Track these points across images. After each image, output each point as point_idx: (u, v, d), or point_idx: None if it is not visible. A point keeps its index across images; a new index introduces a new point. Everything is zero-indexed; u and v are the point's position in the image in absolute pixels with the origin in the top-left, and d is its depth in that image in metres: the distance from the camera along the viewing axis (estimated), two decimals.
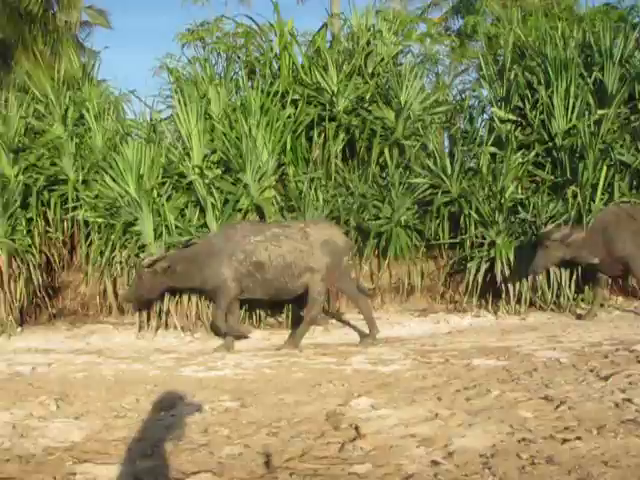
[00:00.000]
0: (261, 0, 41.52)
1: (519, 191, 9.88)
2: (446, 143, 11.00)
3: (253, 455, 4.38)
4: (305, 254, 8.23)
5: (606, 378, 5.71)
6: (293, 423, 4.97)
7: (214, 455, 4.42)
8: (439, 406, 5.18)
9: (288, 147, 10.12)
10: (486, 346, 7.56)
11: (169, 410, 5.42)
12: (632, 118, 10.34)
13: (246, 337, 8.61)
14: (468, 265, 9.67)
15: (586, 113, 10.09)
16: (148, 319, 9.37)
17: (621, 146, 10.01)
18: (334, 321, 9.52)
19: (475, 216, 9.64)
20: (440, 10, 21.00)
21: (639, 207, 9.28)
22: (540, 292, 9.52)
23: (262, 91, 10.13)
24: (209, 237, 8.88)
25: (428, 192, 9.99)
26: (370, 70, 11.00)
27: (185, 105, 9.78)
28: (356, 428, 4.73)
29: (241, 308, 9.02)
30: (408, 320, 9.44)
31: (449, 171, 9.85)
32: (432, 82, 12.25)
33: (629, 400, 5.03)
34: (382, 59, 11.17)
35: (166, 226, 9.25)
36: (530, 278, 9.33)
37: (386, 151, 10.25)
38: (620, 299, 10.01)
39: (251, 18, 11.62)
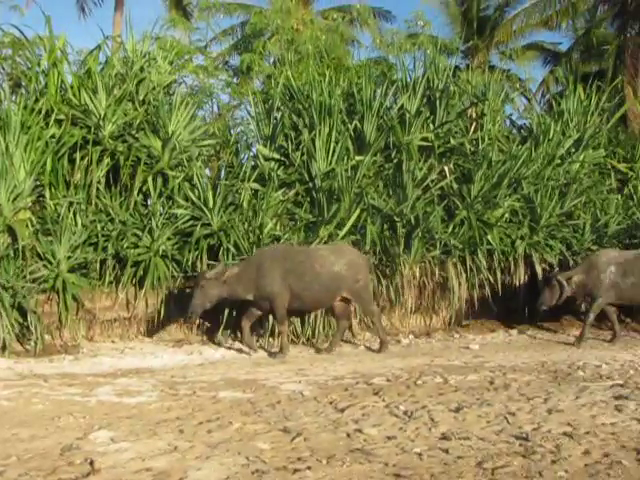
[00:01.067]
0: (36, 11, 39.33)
1: (278, 228, 10.20)
2: (211, 176, 11.10)
3: None
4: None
5: (343, 410, 6.01)
6: (24, 460, 4.68)
7: None
8: (180, 439, 5.14)
9: (49, 168, 9.62)
10: (235, 378, 7.65)
11: None
12: (386, 166, 11.12)
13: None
14: None
15: (345, 158, 10.69)
16: None
17: (375, 191, 10.70)
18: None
19: (233, 250, 9.79)
20: (221, 45, 21.56)
21: (298, 247, 9.84)
22: (293, 326, 9.84)
23: (25, 107, 9.63)
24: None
25: (189, 223, 9.98)
26: (141, 97, 10.84)
27: None
28: (91, 463, 4.56)
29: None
30: (162, 351, 9.29)
31: (211, 204, 9.94)
32: (204, 115, 12.37)
33: (360, 430, 5.33)
34: (154, 87, 11.06)
35: None
36: None
37: (150, 180, 10.11)
38: (367, 334, 10.58)
39: (18, 29, 10.99)
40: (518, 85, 19.41)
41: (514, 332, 11.27)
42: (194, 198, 10.06)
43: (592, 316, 10.51)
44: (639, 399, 6.32)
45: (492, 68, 19.74)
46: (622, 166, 13.66)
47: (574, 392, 6.70)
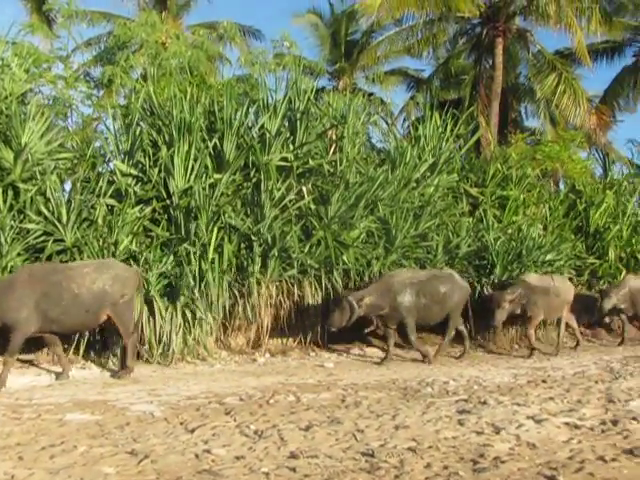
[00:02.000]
0: None
1: (134, 245, 10.01)
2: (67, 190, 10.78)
3: None
4: None
5: (193, 430, 5.96)
6: None
7: None
8: (19, 466, 4.93)
9: None
10: (84, 400, 7.42)
11: None
12: (245, 185, 11.16)
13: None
14: None
15: (204, 176, 10.65)
16: None
17: (233, 210, 10.72)
18: None
19: None
20: (84, 56, 20.94)
21: (55, 266, 9.20)
22: (148, 345, 9.68)
23: None
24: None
25: (41, 239, 9.65)
26: None
27: None
28: None
29: None
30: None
31: (65, 219, 9.65)
32: (64, 126, 11.99)
33: (208, 451, 5.31)
34: (7, 95, 10.64)
35: None
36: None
37: None
38: (224, 353, 10.56)
39: None
40: (380, 109, 20.01)
41: (369, 350, 11.54)
42: (47, 213, 9.72)
43: (413, 337, 10.86)
44: (480, 413, 6.63)
45: (358, 91, 20.22)
46: (474, 190, 14.34)
47: (421, 408, 6.94)
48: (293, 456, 5.18)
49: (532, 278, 12.19)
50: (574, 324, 13.14)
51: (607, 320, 14.81)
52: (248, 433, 5.91)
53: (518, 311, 11.68)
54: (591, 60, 25.60)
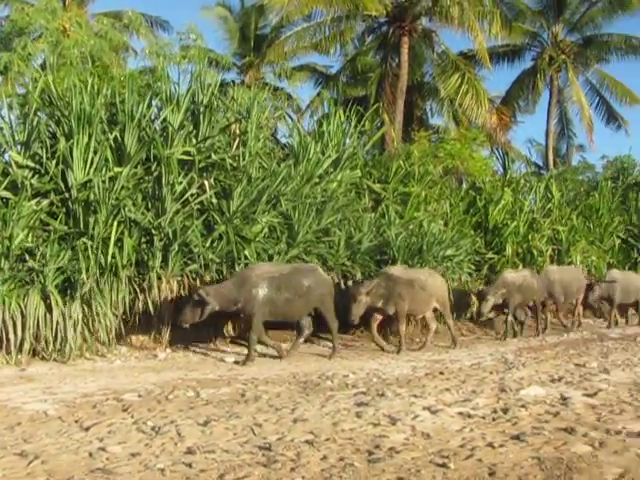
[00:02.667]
0: None
1: (30, 239, 9.75)
2: None
3: None
4: None
5: (88, 428, 5.86)
6: None
7: None
8: None
9: None
10: None
11: None
12: (146, 179, 11.01)
13: None
14: None
15: (104, 168, 10.45)
16: None
17: (133, 204, 10.56)
18: None
19: None
20: None
21: None
22: (44, 342, 9.45)
23: None
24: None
25: None
26: None
27: None
28: None
29: None
30: None
31: None
32: None
33: (103, 449, 5.23)
34: None
35: None
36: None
37: None
38: (124, 349, 10.41)
39: None
40: (287, 104, 20.09)
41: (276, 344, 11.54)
42: None
43: (254, 336, 10.26)
44: (378, 405, 6.76)
45: (264, 85, 20.23)
46: (376, 186, 14.58)
47: (320, 401, 7.02)
48: (190, 451, 5.17)
49: (395, 270, 12.02)
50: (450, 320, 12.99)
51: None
52: (145, 429, 5.86)
53: (379, 304, 11.41)
54: (493, 62, 26.56)
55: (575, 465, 4.84)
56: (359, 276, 12.47)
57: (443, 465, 4.84)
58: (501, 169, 20.04)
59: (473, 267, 15.07)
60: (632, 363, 10.11)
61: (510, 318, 13.84)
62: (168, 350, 10.63)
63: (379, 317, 11.73)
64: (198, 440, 5.50)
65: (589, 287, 15.50)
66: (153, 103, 11.81)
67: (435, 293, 12.41)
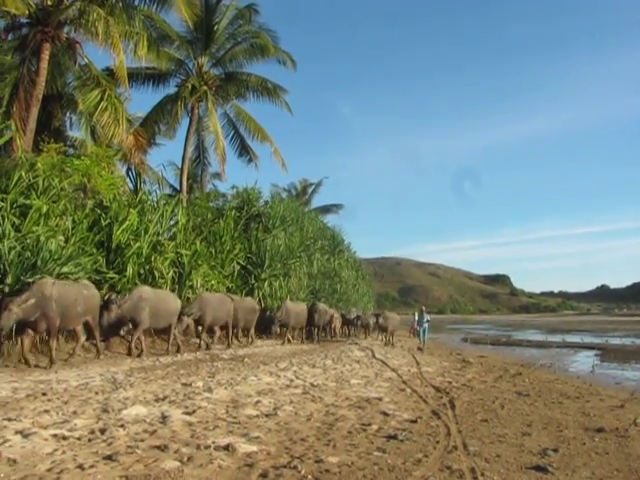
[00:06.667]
0: None
1: None
2: None
3: None
4: None
5: None
6: None
7: None
8: None
9: None
10: None
11: None
12: None
13: None
14: None
15: None
16: None
17: None
18: None
19: None
20: None
21: None
22: None
23: None
24: None
25: None
26: None
27: None
28: None
29: None
30: None
31: None
32: None
33: None
34: None
35: None
36: None
37: None
38: None
39: None
40: None
41: None
42: None
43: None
44: None
45: None
46: None
47: None
48: None
49: (49, 283, 12.05)
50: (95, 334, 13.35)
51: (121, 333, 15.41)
52: None
53: (33, 318, 11.53)
54: (139, 83, 26.90)
55: None
56: None
57: None
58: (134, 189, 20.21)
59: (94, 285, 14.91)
60: (235, 382, 10.87)
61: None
62: None
63: None
64: None
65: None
66: None
67: (86, 308, 12.78)
